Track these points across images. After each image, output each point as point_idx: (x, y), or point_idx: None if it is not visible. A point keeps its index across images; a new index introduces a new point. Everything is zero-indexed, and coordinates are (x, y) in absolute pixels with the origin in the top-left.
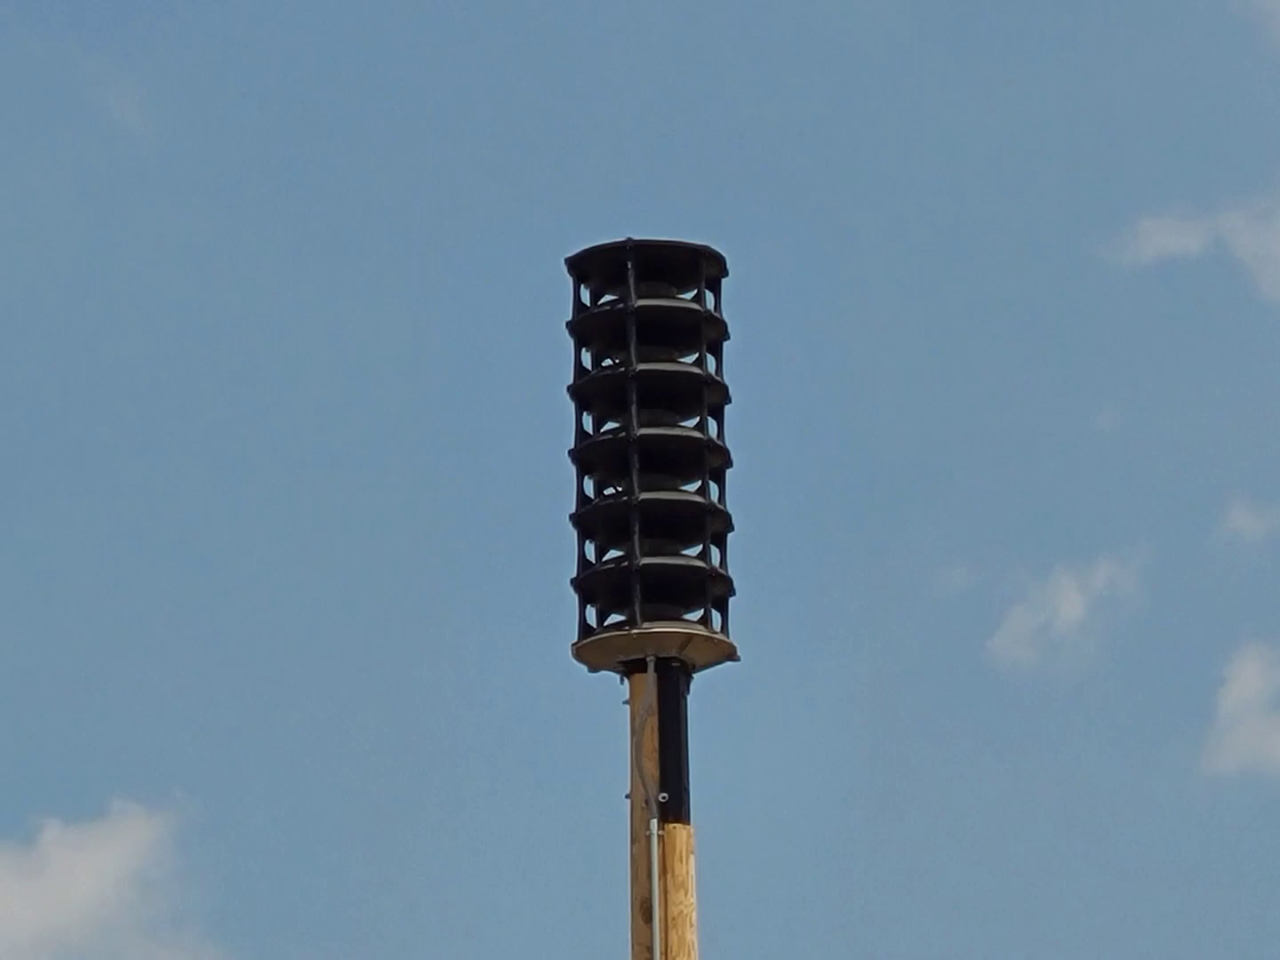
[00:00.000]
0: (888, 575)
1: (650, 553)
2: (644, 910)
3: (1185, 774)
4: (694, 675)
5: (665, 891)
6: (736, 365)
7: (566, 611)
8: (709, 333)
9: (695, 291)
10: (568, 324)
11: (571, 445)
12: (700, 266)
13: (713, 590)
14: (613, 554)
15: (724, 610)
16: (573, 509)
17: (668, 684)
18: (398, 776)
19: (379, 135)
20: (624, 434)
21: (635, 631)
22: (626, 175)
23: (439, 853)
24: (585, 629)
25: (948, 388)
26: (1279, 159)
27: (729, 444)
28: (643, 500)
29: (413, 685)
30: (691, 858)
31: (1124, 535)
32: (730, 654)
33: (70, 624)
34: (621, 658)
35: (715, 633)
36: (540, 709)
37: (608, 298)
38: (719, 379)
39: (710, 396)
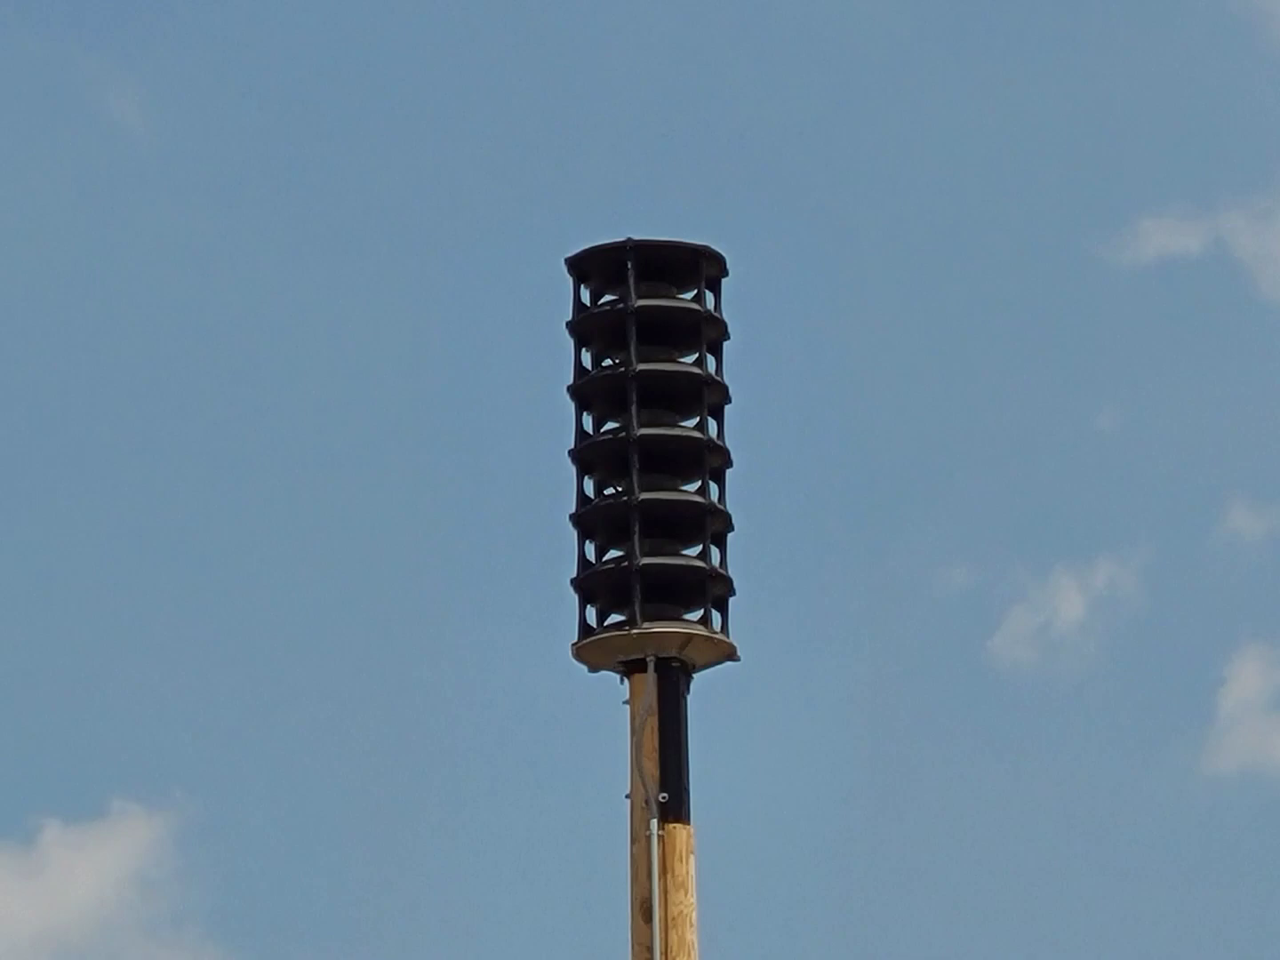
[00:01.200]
0: (888, 575)
1: (650, 553)
2: (644, 910)
3: (1185, 774)
4: (694, 675)
5: (665, 891)
6: (736, 365)
7: (566, 611)
8: (709, 333)
9: (695, 291)
10: (568, 324)
11: (571, 445)
12: (700, 266)
13: (713, 590)
14: (613, 554)
15: (724, 610)
16: (573, 509)
17: (668, 684)
18: (398, 776)
19: (379, 135)
20: (624, 434)
21: (635, 631)
22: (626, 175)
23: (439, 853)
24: (585, 629)
25: (948, 388)
26: (1279, 159)
27: (729, 444)
28: (643, 500)
29: (413, 685)
30: (691, 858)
31: (1124, 535)
32: (730, 654)
33: (70, 624)
34: (621, 658)
35: (715, 633)
36: (540, 709)
37: (608, 298)
38: (719, 379)
39: (710, 396)
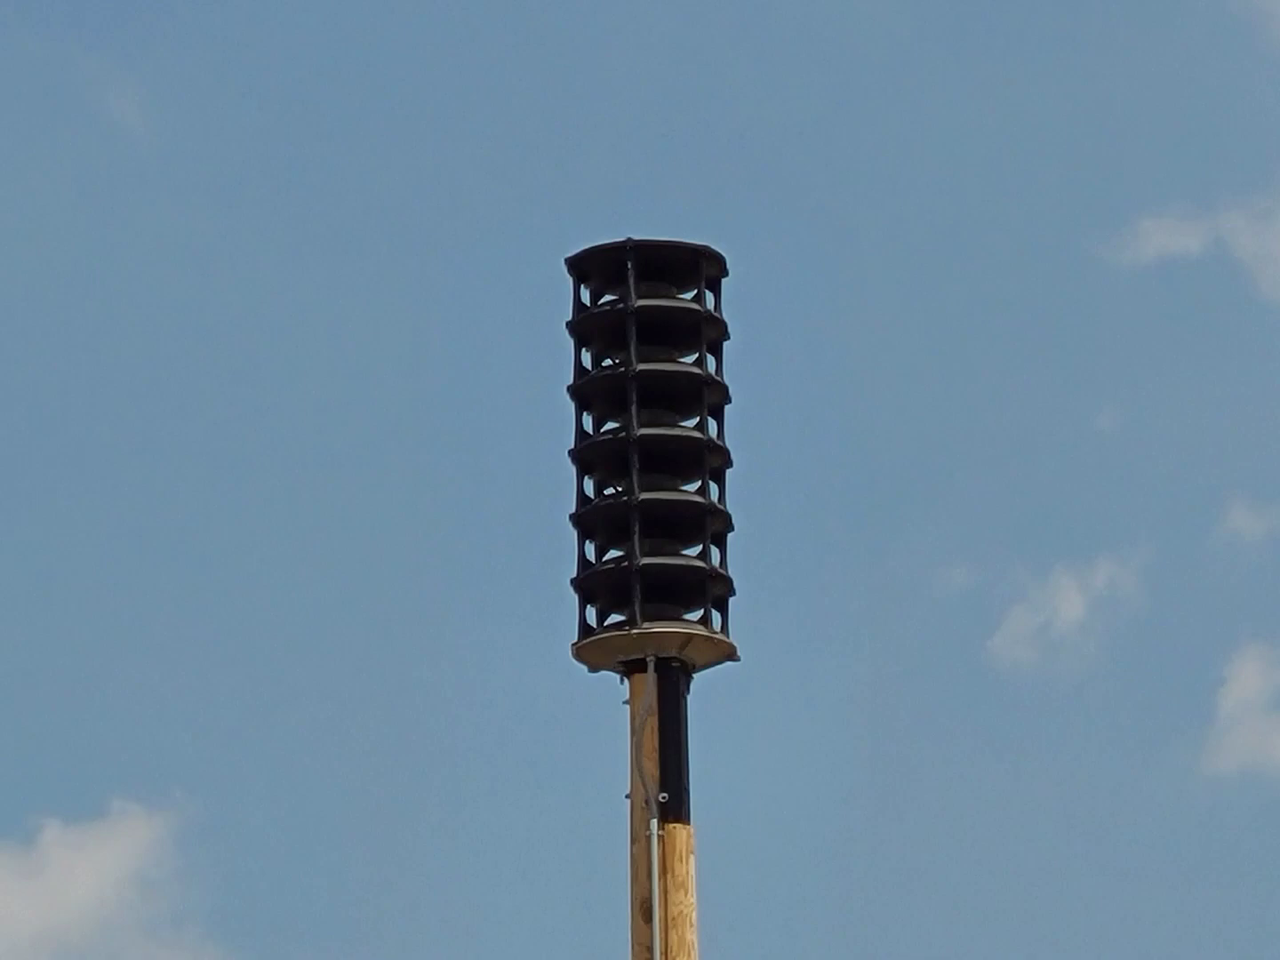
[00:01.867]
0: (888, 575)
1: (650, 553)
2: (644, 910)
3: (1185, 774)
4: (694, 675)
5: (665, 891)
6: (736, 365)
7: (566, 611)
8: (709, 333)
9: (695, 291)
10: (568, 324)
11: (571, 445)
12: (700, 266)
13: (713, 590)
14: (613, 554)
15: (724, 610)
16: (573, 509)
17: (668, 684)
18: (398, 776)
19: (379, 135)
20: (624, 434)
21: (635, 631)
22: (626, 175)
23: (439, 853)
24: (585, 629)
25: (948, 388)
26: (1279, 159)
27: (729, 444)
28: (643, 500)
29: (413, 685)
30: (691, 858)
31: (1124, 535)
32: (730, 654)
33: (70, 624)
34: (621, 658)
35: (715, 633)
36: (540, 709)
37: (608, 298)
38: (719, 379)
39: (710, 396)
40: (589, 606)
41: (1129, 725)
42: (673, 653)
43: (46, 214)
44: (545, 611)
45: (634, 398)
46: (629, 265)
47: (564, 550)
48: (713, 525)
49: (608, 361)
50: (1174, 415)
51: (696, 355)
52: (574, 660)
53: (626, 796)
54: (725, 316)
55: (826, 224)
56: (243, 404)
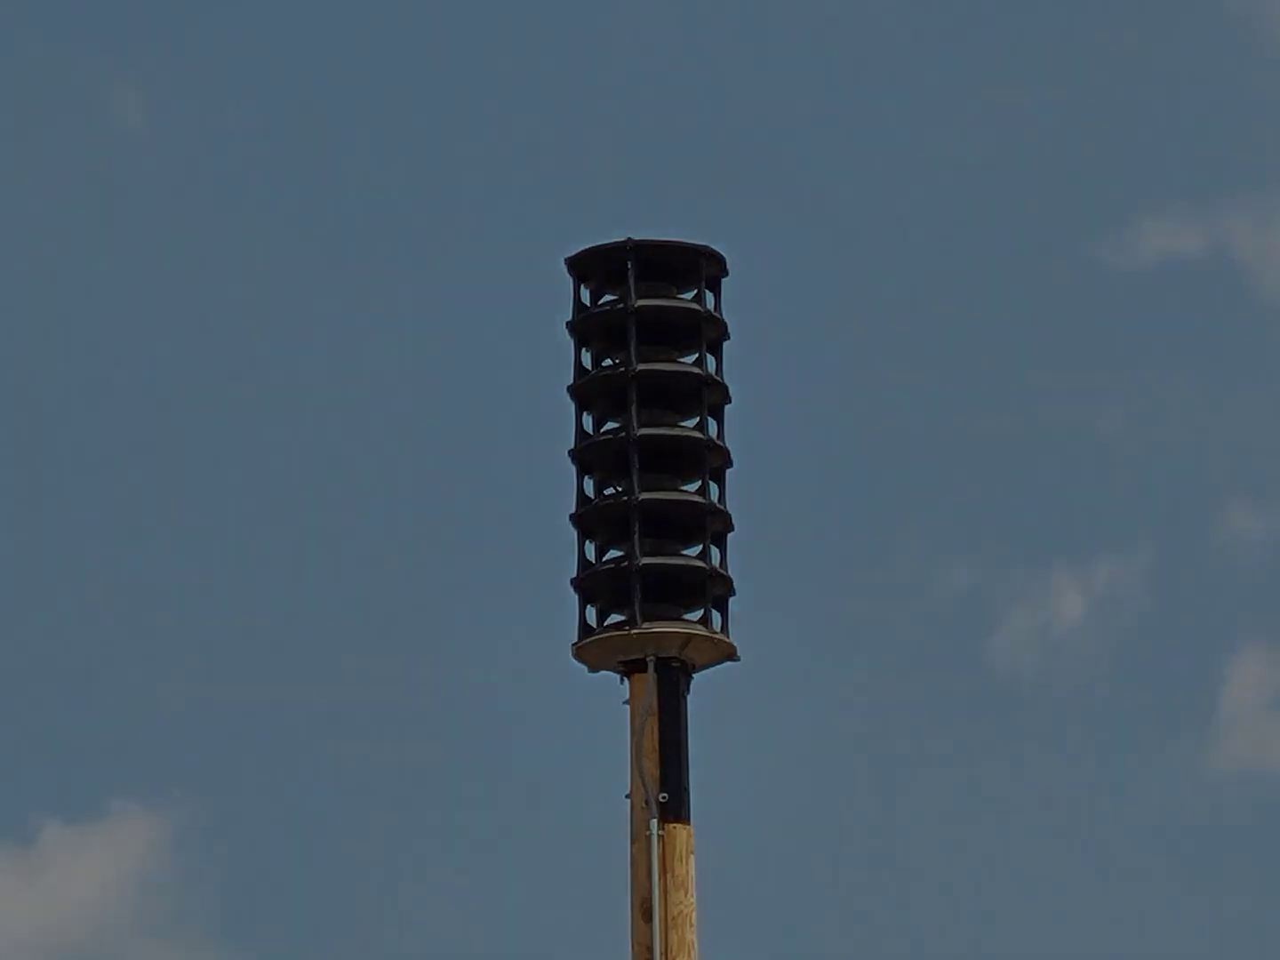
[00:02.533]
0: (887, 576)
1: (650, 553)
2: (644, 910)
3: (1185, 774)
4: (694, 675)
5: (665, 891)
6: (736, 365)
7: (566, 611)
8: (709, 333)
9: (695, 291)
10: (568, 324)
11: (571, 445)
12: (700, 266)
13: (713, 590)
14: (613, 554)
15: (724, 610)
16: (573, 509)
17: (668, 684)
18: (398, 777)
19: (379, 135)
20: (624, 434)
21: (635, 631)
22: (626, 175)
23: (439, 853)
24: (585, 629)
25: (948, 388)
26: (1279, 159)
27: (729, 444)
28: (643, 500)
29: (413, 685)
30: (691, 858)
31: (1124, 535)
32: (730, 654)
33: (70, 624)
34: (621, 658)
35: (715, 633)
36: (540, 709)
37: (608, 298)
38: (719, 379)
39: (710, 396)
40: (589, 606)
41: (1129, 725)
42: (673, 653)
43: (47, 214)
44: (545, 611)
45: (634, 398)
46: (629, 265)
47: (564, 550)
48: (713, 525)
49: (608, 361)
50: (1174, 415)
51: (696, 355)
52: (574, 660)
53: (626, 796)
54: (725, 316)
55: (826, 224)
56: (243, 404)
